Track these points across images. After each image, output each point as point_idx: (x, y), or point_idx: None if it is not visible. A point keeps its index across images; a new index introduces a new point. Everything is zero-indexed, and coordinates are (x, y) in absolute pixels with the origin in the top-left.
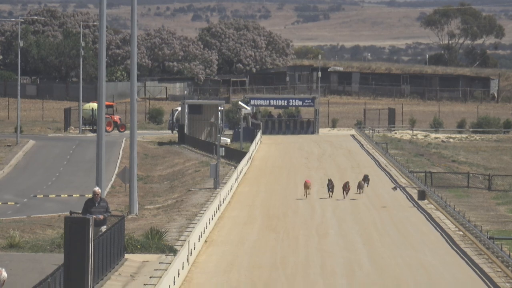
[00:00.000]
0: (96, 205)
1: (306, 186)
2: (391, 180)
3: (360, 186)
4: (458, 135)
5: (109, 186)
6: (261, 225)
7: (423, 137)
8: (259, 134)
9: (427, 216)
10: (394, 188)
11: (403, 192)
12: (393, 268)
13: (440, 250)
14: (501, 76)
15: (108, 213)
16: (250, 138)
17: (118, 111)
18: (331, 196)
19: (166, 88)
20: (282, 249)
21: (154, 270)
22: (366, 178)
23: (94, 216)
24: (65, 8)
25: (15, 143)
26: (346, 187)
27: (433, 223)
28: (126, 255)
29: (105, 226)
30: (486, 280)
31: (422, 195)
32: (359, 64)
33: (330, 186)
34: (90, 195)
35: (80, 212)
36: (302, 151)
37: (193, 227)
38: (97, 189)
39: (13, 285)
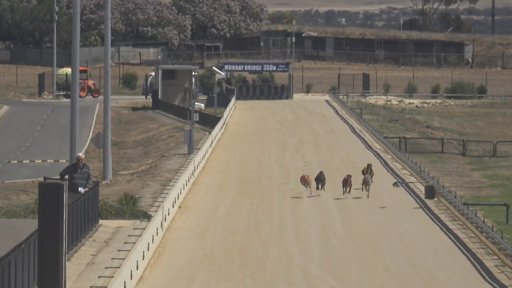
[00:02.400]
0: (79, 170)
1: (305, 181)
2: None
3: (366, 183)
4: (433, 101)
5: (83, 151)
6: (235, 190)
7: (397, 103)
8: (233, 99)
9: (405, 187)
10: (395, 184)
11: (405, 188)
12: (367, 233)
13: (414, 216)
14: (475, 42)
15: (90, 179)
16: (224, 103)
17: (92, 76)
18: (322, 189)
19: (140, 53)
20: (257, 214)
21: (128, 236)
22: (369, 169)
23: (82, 190)
24: None
25: None
26: (347, 183)
27: (407, 189)
28: (101, 221)
29: (82, 189)
30: (460, 246)
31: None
32: (333, 30)
33: (321, 180)
34: (64, 160)
35: (54, 178)
36: (276, 116)
37: (167, 193)
38: (81, 154)
39: None
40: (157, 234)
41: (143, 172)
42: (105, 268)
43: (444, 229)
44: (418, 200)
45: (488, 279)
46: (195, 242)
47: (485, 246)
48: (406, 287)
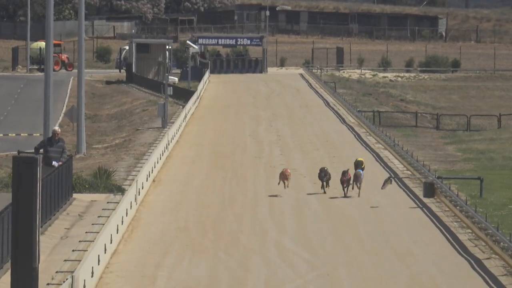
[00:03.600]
0: (54, 144)
1: (285, 176)
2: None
3: (357, 179)
4: (406, 74)
5: (57, 125)
6: (209, 164)
7: (371, 77)
8: (207, 73)
9: (377, 158)
10: (386, 182)
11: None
12: (341, 207)
13: (389, 191)
14: (449, 15)
15: (64, 153)
16: (198, 77)
17: (66, 50)
18: (327, 187)
19: (113, 27)
20: (231, 188)
21: (102, 209)
22: (359, 164)
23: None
24: None
25: None
26: (345, 179)
27: (381, 162)
28: (74, 195)
29: (56, 163)
30: (434, 220)
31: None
32: (307, 3)
33: (324, 176)
34: (38, 134)
35: (29, 151)
36: (250, 90)
37: (141, 167)
38: (57, 128)
39: None
40: (131, 208)
41: (117, 146)
42: (79, 241)
43: (418, 202)
44: (392, 174)
45: (462, 253)
46: (169, 216)
47: (458, 220)
48: (379, 260)
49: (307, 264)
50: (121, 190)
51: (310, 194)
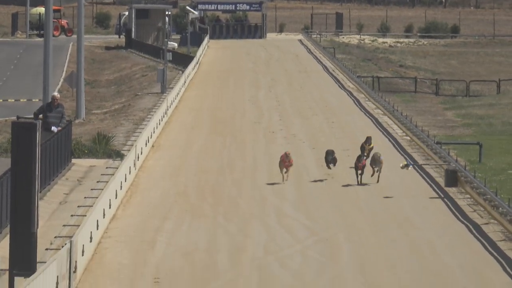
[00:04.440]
0: (53, 109)
1: (287, 163)
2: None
3: (375, 162)
4: (406, 40)
5: (56, 90)
6: (208, 129)
7: (370, 42)
8: (206, 38)
9: (376, 123)
10: (405, 166)
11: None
12: (340, 173)
13: (388, 156)
14: None
15: (63, 119)
16: (198, 42)
17: (65, 15)
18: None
19: None
20: (229, 153)
21: (101, 175)
22: (368, 142)
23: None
24: None
25: None
26: (361, 165)
27: (380, 128)
28: (73, 160)
29: (55, 128)
30: (433, 185)
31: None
32: None
33: (331, 160)
34: (37, 100)
35: (28, 117)
36: (249, 55)
37: (140, 132)
38: (56, 94)
39: None
40: (130, 173)
41: (116, 111)
42: (78, 207)
43: (416, 168)
44: (391, 139)
45: (461, 218)
46: (168, 181)
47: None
48: (378, 227)
49: (306, 230)
50: (120, 155)
51: (309, 158)
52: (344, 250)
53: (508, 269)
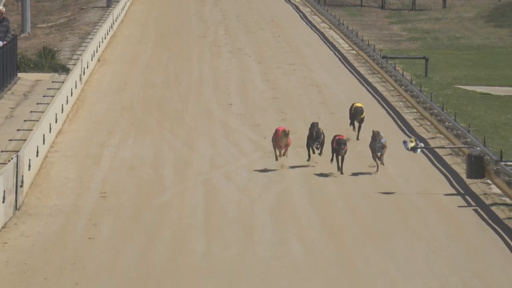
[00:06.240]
0: None
1: (284, 143)
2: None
3: (373, 150)
4: None
5: (1, 4)
6: (154, 43)
7: None
8: None
9: (322, 37)
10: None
11: None
12: (285, 86)
13: (334, 70)
14: None
15: (9, 33)
16: None
17: None
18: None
19: None
20: (175, 68)
21: (47, 89)
22: (359, 113)
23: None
24: None
25: None
26: (342, 149)
27: (326, 42)
28: (19, 74)
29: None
30: (380, 99)
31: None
32: None
33: (316, 139)
34: None
35: None
36: None
37: (86, 46)
38: (1, 7)
39: None
40: (76, 87)
41: (61, 25)
42: (24, 121)
43: (363, 82)
44: (337, 54)
45: (408, 132)
46: (113, 96)
47: (404, 99)
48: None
49: (252, 144)
50: (66, 70)
51: (255, 72)
52: (290, 163)
53: (455, 183)
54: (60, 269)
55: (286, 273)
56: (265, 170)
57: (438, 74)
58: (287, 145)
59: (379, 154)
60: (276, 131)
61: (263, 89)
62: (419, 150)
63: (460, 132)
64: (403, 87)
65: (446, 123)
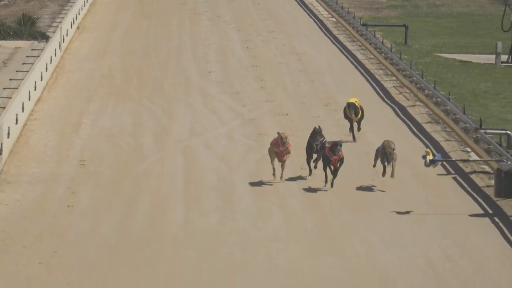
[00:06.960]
0: None
1: (281, 152)
2: None
3: (386, 157)
4: None
5: None
6: (134, 11)
7: None
8: None
9: (301, 4)
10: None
11: None
12: (265, 54)
13: (313, 37)
14: None
15: None
16: None
17: None
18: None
19: None
20: (155, 35)
21: (27, 56)
22: (352, 110)
23: None
24: None
25: None
26: (336, 156)
27: (306, 9)
28: None
29: None
30: (359, 67)
31: None
32: None
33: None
34: None
35: None
36: None
37: (66, 14)
38: None
39: None
40: (55, 55)
41: None
42: (3, 89)
43: (343, 50)
44: (317, 21)
45: (387, 100)
46: (93, 63)
47: (383, 67)
48: (303, 105)
49: (232, 112)
50: (45, 37)
51: (235, 40)
52: (269, 131)
53: (434, 152)
54: (39, 237)
55: (266, 242)
56: (245, 138)
57: (418, 42)
58: (286, 155)
59: (386, 163)
60: (273, 140)
61: (242, 56)
62: (438, 163)
63: (439, 100)
64: (382, 54)
65: (426, 91)
